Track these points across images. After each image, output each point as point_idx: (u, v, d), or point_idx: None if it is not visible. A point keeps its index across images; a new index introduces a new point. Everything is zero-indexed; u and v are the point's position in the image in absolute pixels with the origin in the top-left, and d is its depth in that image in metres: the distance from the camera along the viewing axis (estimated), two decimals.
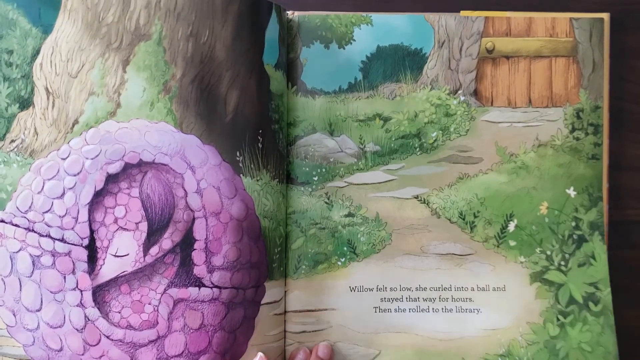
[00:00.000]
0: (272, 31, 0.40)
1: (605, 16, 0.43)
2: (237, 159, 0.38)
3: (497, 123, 0.43)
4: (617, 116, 0.45)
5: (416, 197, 0.43)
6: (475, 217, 0.43)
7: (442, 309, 0.42)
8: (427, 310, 0.42)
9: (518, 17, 0.44)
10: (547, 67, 0.44)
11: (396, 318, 0.42)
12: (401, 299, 0.42)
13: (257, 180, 0.39)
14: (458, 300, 0.42)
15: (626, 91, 0.45)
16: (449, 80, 0.43)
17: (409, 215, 0.42)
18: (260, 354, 0.38)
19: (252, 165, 0.39)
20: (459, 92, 0.43)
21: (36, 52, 0.37)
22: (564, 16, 0.44)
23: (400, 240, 0.42)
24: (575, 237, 0.43)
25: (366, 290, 0.42)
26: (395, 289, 0.42)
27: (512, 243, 0.43)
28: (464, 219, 0.43)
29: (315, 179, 0.42)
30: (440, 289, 0.42)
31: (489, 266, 0.43)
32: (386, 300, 0.42)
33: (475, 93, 0.44)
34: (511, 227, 0.43)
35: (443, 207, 0.43)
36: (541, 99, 0.44)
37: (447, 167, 0.43)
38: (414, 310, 0.42)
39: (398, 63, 0.43)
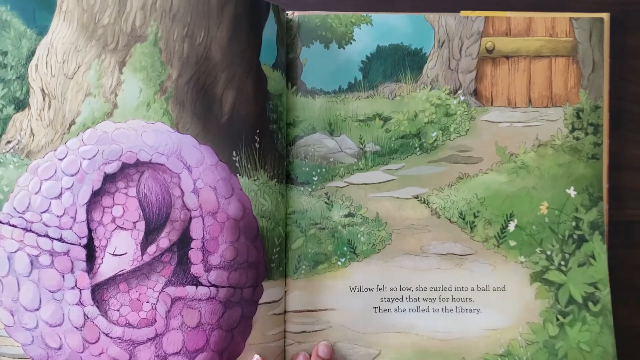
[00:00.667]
0: (269, 31, 0.40)
1: (605, 16, 0.43)
2: (234, 159, 0.38)
3: (497, 123, 0.43)
4: (617, 116, 0.44)
5: (416, 197, 0.42)
6: (475, 217, 0.42)
7: (442, 309, 0.42)
8: (427, 310, 0.42)
9: (518, 17, 0.43)
10: (547, 67, 0.43)
11: (396, 318, 0.42)
12: (401, 299, 0.42)
13: (255, 180, 0.39)
14: (458, 300, 0.42)
15: (626, 91, 0.45)
16: (449, 80, 0.43)
17: (409, 215, 0.42)
18: (256, 356, 0.38)
19: (249, 165, 0.39)
20: (459, 92, 0.43)
21: (31, 54, 0.37)
22: (563, 16, 0.43)
23: (400, 240, 0.42)
24: (575, 237, 0.42)
25: (366, 290, 0.42)
26: (395, 289, 0.42)
27: (512, 243, 0.42)
28: (464, 219, 0.42)
29: (315, 179, 0.42)
30: (441, 289, 0.42)
31: (489, 266, 0.42)
32: (386, 300, 0.42)
33: (475, 93, 0.43)
34: (511, 227, 0.42)
35: (443, 207, 0.42)
36: (541, 98, 0.43)
37: (447, 167, 0.42)
38: (414, 310, 0.42)
39: (398, 63, 0.42)
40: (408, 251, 0.42)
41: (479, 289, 0.42)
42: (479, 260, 0.42)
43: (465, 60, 0.43)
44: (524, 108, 0.43)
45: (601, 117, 0.43)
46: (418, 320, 0.42)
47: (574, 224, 0.42)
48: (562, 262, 0.42)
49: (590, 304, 0.42)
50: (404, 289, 0.42)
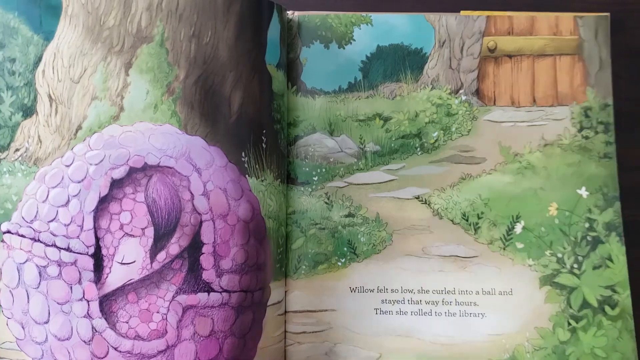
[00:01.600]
0: (273, 31, 0.42)
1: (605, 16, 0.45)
2: (243, 159, 0.39)
3: (500, 123, 0.44)
4: (617, 116, 0.45)
5: (417, 198, 0.43)
6: (479, 218, 0.43)
7: (445, 312, 0.42)
8: (430, 313, 0.42)
9: (520, 16, 0.45)
10: (551, 66, 0.44)
11: (397, 321, 0.42)
12: (403, 302, 0.43)
13: (262, 181, 0.40)
14: (462, 304, 0.42)
15: (625, 91, 0.46)
16: (450, 79, 0.44)
17: (410, 215, 0.43)
18: None
19: (257, 166, 0.40)
20: (461, 91, 0.44)
21: (38, 59, 0.37)
22: (566, 15, 0.45)
23: (401, 241, 0.43)
24: (589, 238, 0.43)
25: (367, 291, 0.43)
26: (396, 291, 0.43)
27: (520, 245, 0.43)
28: (467, 220, 0.43)
29: (315, 179, 0.43)
30: (444, 292, 0.43)
31: (495, 269, 0.43)
32: (387, 302, 0.43)
33: (477, 92, 0.44)
34: (518, 228, 0.43)
35: (445, 207, 0.43)
36: (546, 97, 0.44)
37: (448, 167, 0.43)
38: (416, 313, 0.42)
39: (398, 63, 0.44)
40: (409, 252, 0.43)
41: (484, 292, 0.42)
42: (483, 263, 0.42)
43: (467, 59, 0.45)
44: (528, 107, 0.44)
45: (611, 115, 0.44)
46: (420, 324, 0.42)
47: (587, 225, 0.43)
48: (575, 265, 0.42)
49: (607, 308, 0.42)
50: (405, 291, 0.42)
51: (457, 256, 0.43)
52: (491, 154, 0.44)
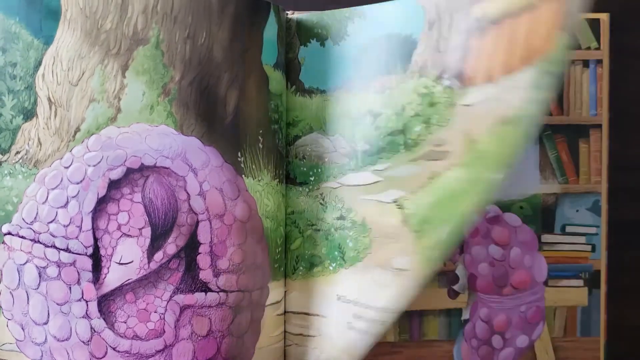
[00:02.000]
0: (270, 31, 0.43)
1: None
2: (239, 159, 0.41)
3: (471, 106, 0.37)
4: (617, 116, 0.46)
5: (395, 202, 0.40)
6: (429, 224, 0.38)
7: (365, 332, 0.39)
8: (363, 333, 0.39)
9: None
10: (534, 19, 0.35)
11: (352, 339, 0.40)
12: (361, 318, 0.40)
13: (259, 181, 0.41)
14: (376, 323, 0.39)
15: (626, 91, 0.47)
16: (437, 64, 0.39)
17: (388, 221, 0.40)
18: None
19: (254, 166, 0.41)
20: (445, 76, 0.38)
21: (38, 63, 0.39)
22: None
23: (378, 249, 0.40)
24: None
25: (348, 302, 0.41)
26: (365, 306, 0.39)
27: (433, 255, 0.37)
28: (420, 228, 0.38)
29: (312, 179, 0.44)
30: (381, 311, 0.38)
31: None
32: (356, 317, 0.40)
33: (460, 74, 0.38)
34: (442, 235, 0.36)
35: (413, 213, 0.39)
36: (517, 61, 0.35)
37: (423, 166, 0.39)
38: (360, 332, 0.39)
39: (389, 54, 0.41)
40: (380, 264, 0.39)
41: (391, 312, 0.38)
42: (405, 281, 0.38)
43: (453, 37, 0.38)
44: (501, 79, 0.36)
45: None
46: (357, 344, 0.39)
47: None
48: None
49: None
50: (367, 307, 0.39)
51: (400, 269, 0.38)
52: (456, 146, 0.37)
